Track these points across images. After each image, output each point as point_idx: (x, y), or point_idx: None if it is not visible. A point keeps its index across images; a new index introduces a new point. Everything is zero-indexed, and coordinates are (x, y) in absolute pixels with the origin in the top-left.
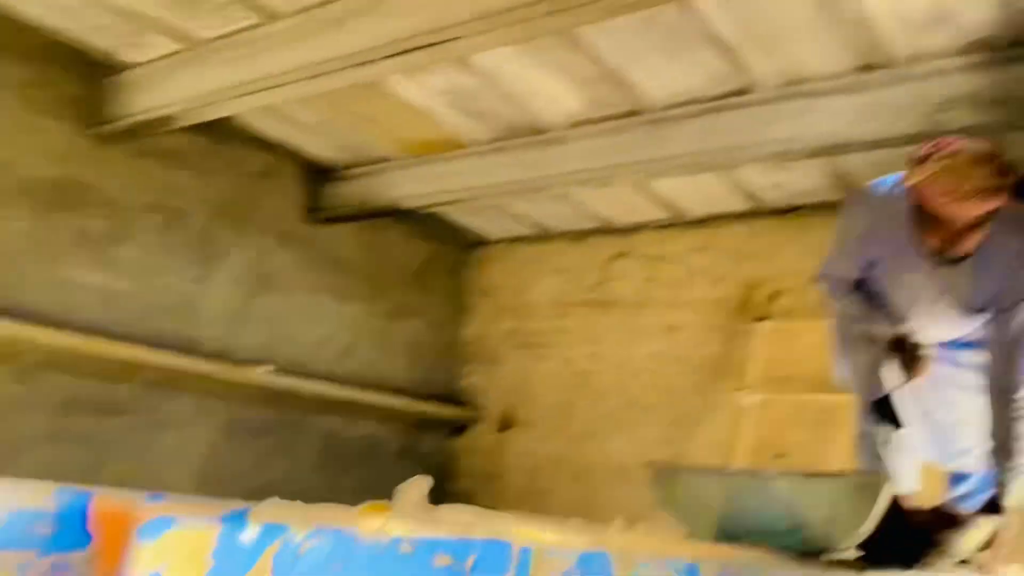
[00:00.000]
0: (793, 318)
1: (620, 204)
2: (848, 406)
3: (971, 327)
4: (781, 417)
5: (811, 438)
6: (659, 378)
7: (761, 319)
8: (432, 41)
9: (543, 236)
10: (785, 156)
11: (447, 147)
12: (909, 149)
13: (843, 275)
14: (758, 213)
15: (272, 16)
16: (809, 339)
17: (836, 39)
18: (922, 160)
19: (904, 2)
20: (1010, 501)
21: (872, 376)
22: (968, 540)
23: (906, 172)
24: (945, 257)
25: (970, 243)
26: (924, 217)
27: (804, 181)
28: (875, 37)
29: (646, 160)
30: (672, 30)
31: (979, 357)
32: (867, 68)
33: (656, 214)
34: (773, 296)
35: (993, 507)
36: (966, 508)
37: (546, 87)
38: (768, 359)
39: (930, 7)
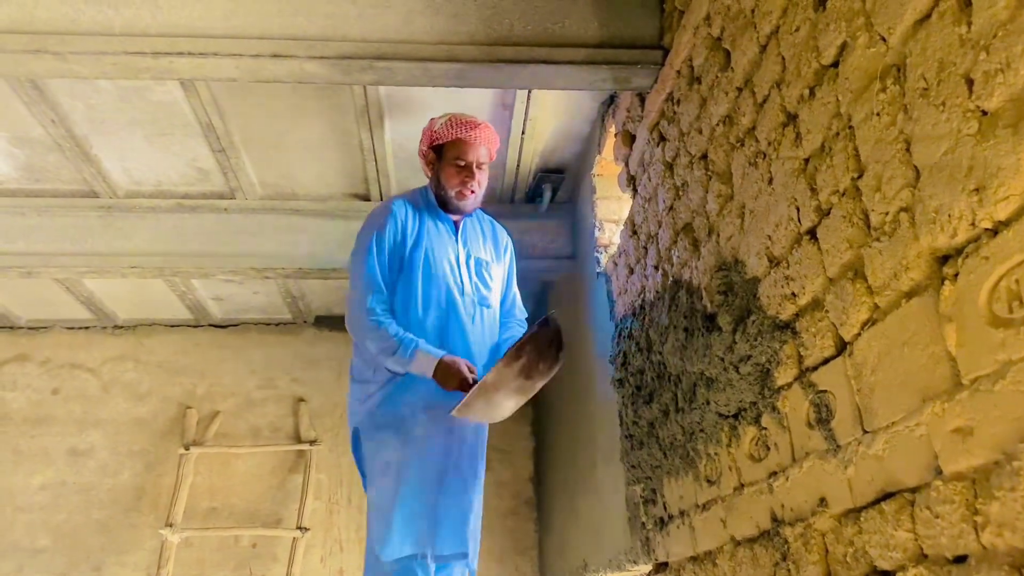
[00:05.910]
0: (229, 442)
1: (27, 295)
2: (280, 541)
3: None
4: (205, 557)
5: None
6: (54, 514)
7: (193, 444)
8: None
9: None
10: (262, 273)
11: None
12: None
13: None
14: (197, 325)
15: None
16: (244, 466)
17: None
18: None
19: None
20: None
21: None
22: None
23: None
24: None
25: None
26: None
27: (253, 298)
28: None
29: (94, 253)
30: (164, 111)
31: None
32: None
33: (74, 313)
34: (209, 417)
35: None
36: None
37: None
38: (197, 489)
39: None
